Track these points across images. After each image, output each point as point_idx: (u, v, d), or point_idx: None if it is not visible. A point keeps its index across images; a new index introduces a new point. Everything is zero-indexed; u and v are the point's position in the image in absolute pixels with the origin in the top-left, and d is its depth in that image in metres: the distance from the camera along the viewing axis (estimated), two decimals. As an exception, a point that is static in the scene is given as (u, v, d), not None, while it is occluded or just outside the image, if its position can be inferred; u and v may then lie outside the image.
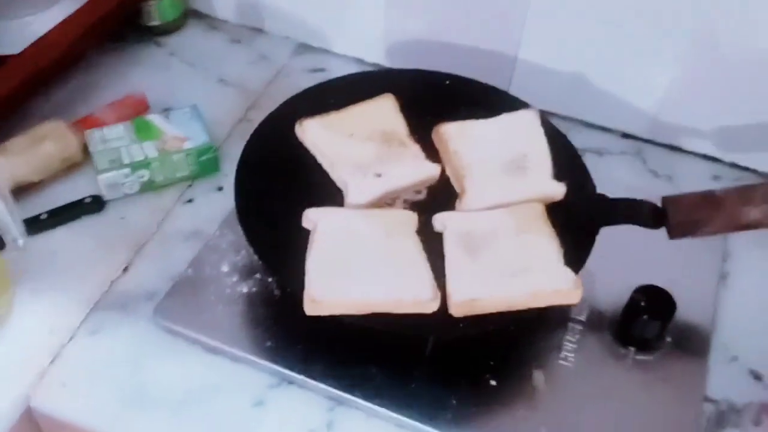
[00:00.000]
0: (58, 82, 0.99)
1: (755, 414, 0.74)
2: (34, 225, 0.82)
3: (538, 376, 0.74)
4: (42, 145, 0.86)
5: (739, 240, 0.86)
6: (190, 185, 0.90)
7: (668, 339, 0.78)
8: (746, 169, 0.96)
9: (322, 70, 1.06)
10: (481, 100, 0.87)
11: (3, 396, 0.72)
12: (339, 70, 0.98)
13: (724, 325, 0.80)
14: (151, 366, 0.75)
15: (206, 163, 0.89)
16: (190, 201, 0.89)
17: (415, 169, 0.80)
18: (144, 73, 1.04)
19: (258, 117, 0.93)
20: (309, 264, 0.70)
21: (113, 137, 0.88)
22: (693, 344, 0.79)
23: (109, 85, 1.01)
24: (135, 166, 0.85)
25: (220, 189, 0.90)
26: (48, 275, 0.80)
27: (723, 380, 0.76)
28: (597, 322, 0.79)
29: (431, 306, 0.68)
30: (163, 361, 0.75)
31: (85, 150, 0.88)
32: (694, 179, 0.93)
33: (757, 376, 0.77)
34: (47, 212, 0.84)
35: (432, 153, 0.82)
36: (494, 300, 0.68)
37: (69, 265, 0.81)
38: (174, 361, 0.75)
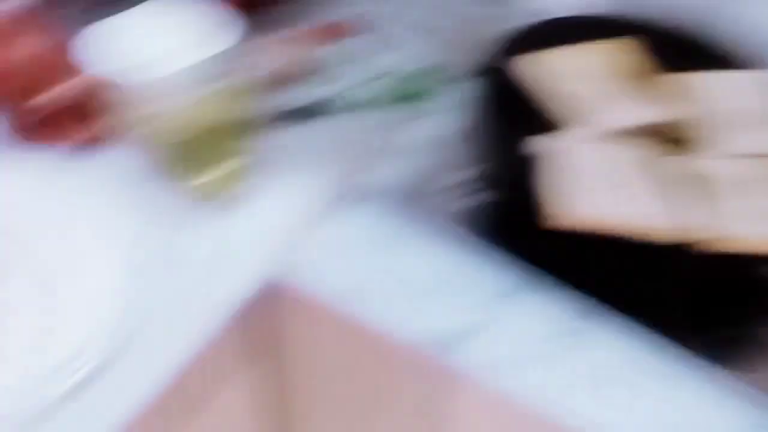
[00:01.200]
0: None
1: None
2: (279, 118, 0.86)
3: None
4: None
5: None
6: (418, 103, 0.92)
7: None
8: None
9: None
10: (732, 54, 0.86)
11: (244, 274, 0.74)
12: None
13: None
14: (392, 254, 0.77)
15: (431, 84, 0.92)
16: (419, 117, 0.91)
17: (657, 111, 0.80)
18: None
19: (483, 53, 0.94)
20: (554, 182, 0.72)
21: (348, 50, 0.92)
22: None
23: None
24: (371, 78, 0.89)
25: (449, 109, 0.92)
26: (286, 163, 0.83)
27: None
28: None
29: (685, 235, 0.69)
30: (403, 251, 0.77)
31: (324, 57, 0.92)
32: None
33: None
34: (289, 109, 0.87)
35: (675, 97, 0.82)
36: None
37: (306, 160, 0.84)
38: (413, 253, 0.77)
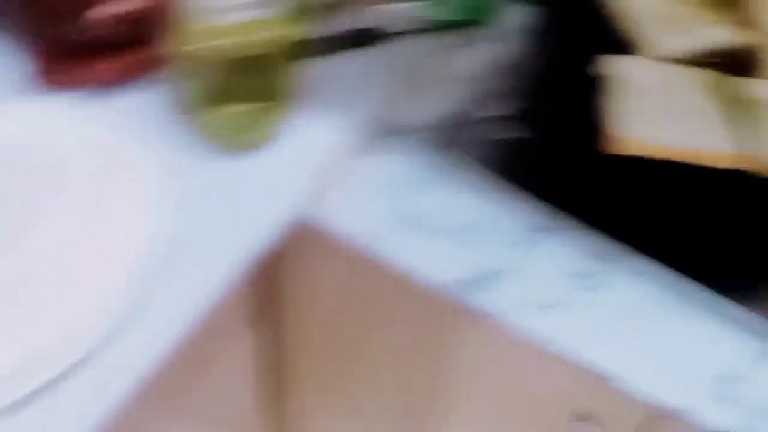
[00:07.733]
0: None
1: None
2: (326, 46, 0.83)
3: None
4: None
5: None
6: (467, 29, 0.87)
7: None
8: None
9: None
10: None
11: (274, 208, 0.71)
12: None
13: None
14: (422, 193, 0.75)
15: (485, 8, 0.87)
16: (466, 45, 0.86)
17: (726, 35, 0.73)
18: None
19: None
20: (615, 106, 0.67)
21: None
22: None
23: None
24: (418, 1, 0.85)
25: (499, 36, 0.86)
26: (323, 97, 0.79)
27: None
28: None
29: (748, 161, 0.64)
30: (434, 190, 0.75)
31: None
32: None
33: None
34: (329, 36, 0.83)
35: (746, 22, 0.74)
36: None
37: (344, 90, 0.80)
38: (445, 192, 0.75)
